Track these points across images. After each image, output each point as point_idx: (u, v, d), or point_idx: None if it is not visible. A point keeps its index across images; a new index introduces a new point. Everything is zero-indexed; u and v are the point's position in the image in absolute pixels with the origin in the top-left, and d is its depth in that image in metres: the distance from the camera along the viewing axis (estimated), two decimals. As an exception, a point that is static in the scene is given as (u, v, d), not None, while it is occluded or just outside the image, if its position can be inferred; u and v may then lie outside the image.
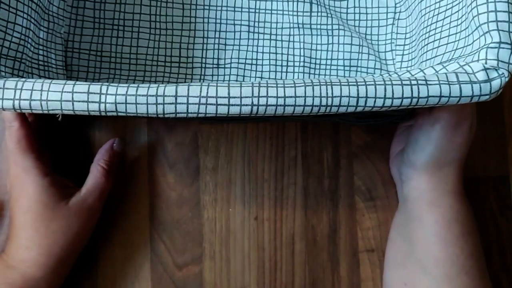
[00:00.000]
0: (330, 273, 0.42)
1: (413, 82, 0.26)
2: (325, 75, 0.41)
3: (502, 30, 0.26)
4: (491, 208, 0.43)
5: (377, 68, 0.41)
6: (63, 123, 0.40)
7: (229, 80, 0.41)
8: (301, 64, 0.41)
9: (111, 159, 0.39)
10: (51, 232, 0.35)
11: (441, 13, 0.34)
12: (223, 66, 0.41)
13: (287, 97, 0.26)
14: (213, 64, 0.41)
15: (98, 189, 0.38)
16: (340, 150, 0.43)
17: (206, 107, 0.26)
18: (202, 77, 0.41)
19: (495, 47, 0.26)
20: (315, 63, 0.41)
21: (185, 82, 0.41)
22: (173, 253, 0.41)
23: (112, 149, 0.40)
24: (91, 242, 0.40)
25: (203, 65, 0.41)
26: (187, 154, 0.42)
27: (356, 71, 0.41)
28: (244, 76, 0.41)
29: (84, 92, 0.26)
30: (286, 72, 0.41)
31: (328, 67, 0.41)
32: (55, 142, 0.42)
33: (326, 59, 0.41)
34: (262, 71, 0.41)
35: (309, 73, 0.41)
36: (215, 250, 0.41)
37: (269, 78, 0.41)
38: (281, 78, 0.41)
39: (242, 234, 0.42)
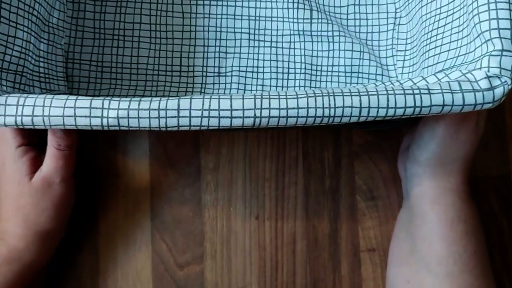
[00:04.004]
0: (331, 272, 0.42)
1: (416, 91, 0.26)
2: (326, 81, 0.41)
3: (504, 38, 0.26)
4: (492, 208, 0.43)
5: (379, 74, 0.41)
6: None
7: (230, 89, 0.41)
8: (302, 71, 0.41)
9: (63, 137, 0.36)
10: (21, 206, 0.36)
11: (442, 19, 0.34)
12: (224, 74, 0.41)
13: (290, 108, 0.26)
14: (214, 72, 0.41)
15: (55, 167, 0.36)
16: (341, 150, 0.43)
17: (208, 120, 0.26)
18: (203, 85, 0.41)
19: (498, 55, 0.26)
20: (316, 70, 0.41)
21: (186, 91, 0.41)
22: (174, 252, 0.41)
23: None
24: (92, 241, 0.40)
25: (204, 74, 0.41)
26: (188, 153, 0.42)
27: (358, 77, 0.41)
28: (245, 84, 0.41)
29: (86, 107, 0.26)
30: (288, 79, 0.41)
31: (330, 73, 0.41)
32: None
33: (327, 65, 0.41)
34: (263, 79, 0.41)
35: (311, 80, 0.41)
36: (216, 250, 0.41)
37: (270, 86, 0.41)
38: (282, 86, 0.41)
39: (243, 234, 0.42)
